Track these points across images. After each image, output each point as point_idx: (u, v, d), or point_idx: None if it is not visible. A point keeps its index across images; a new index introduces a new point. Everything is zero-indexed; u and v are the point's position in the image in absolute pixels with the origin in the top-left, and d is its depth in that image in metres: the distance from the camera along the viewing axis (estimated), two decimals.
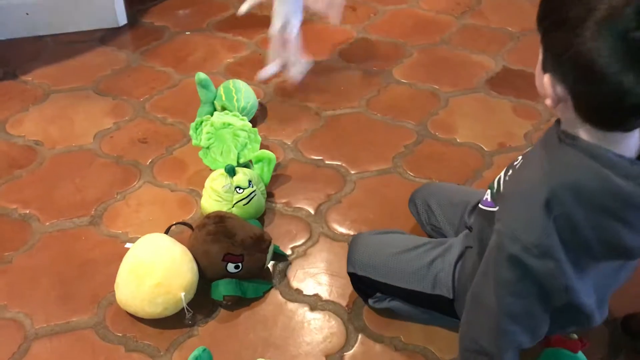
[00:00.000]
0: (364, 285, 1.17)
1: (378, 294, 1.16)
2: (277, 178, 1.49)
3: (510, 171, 0.96)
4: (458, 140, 1.61)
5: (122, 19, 2.05)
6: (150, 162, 1.54)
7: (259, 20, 2.07)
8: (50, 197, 1.44)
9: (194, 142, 1.47)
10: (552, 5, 0.78)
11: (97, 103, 1.73)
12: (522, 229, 0.83)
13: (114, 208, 1.42)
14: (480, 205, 1.03)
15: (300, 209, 1.42)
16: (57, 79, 1.81)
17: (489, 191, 1.01)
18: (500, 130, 1.64)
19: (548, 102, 0.82)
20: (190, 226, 1.28)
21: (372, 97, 1.76)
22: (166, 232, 1.25)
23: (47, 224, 1.37)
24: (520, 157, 0.96)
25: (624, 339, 1.15)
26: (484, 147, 1.58)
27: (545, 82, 0.80)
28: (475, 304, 0.95)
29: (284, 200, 1.44)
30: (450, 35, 2.02)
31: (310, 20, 2.07)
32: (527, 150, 0.97)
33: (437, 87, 1.79)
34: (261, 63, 1.75)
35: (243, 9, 1.64)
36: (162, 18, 2.10)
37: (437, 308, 1.12)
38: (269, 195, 1.44)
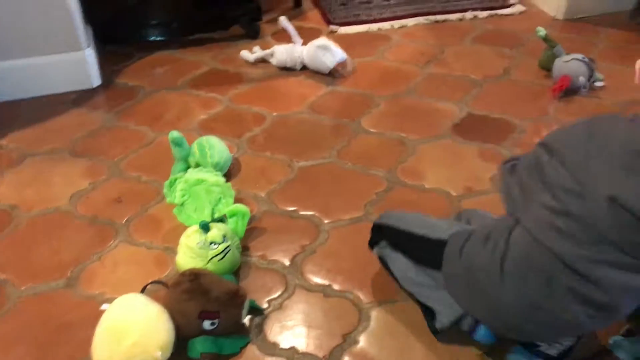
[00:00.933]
0: (380, 235, 1.30)
1: (384, 242, 1.27)
2: (252, 231, 1.51)
3: None
4: (426, 186, 1.66)
5: (96, 80, 2.09)
6: (126, 221, 1.56)
7: (232, 76, 2.15)
8: (26, 261, 1.44)
9: (168, 199, 1.50)
10: None
11: (73, 164, 1.75)
12: None
13: (90, 269, 1.42)
14: None
15: (276, 261, 1.44)
16: (33, 142, 1.84)
17: None
18: (466, 174, 1.69)
19: None
20: (165, 284, 1.29)
21: (343, 147, 1.81)
22: (142, 292, 1.27)
23: (23, 288, 1.37)
24: None
25: None
26: (451, 192, 1.63)
27: None
28: None
29: (259, 253, 1.46)
30: (416, 85, 2.09)
31: (281, 75, 2.14)
32: None
33: (404, 135, 1.85)
34: (236, 118, 1.81)
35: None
36: (136, 78, 2.15)
37: (432, 262, 1.19)
38: (244, 249, 1.46)
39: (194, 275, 1.24)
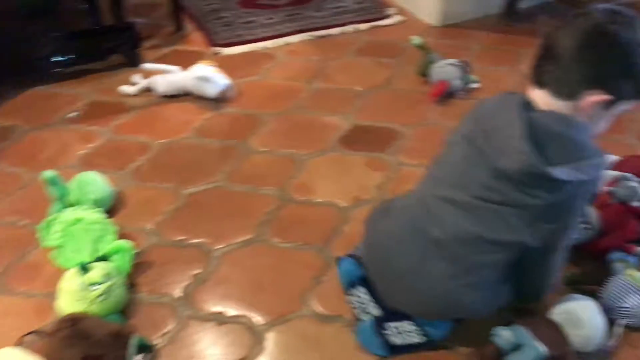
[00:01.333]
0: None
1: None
2: (139, 266, 1.46)
3: None
4: (317, 201, 1.67)
5: None
6: (3, 270, 1.46)
7: (113, 107, 2.08)
8: None
9: (44, 243, 1.42)
10: None
11: None
12: None
13: None
14: None
15: (165, 294, 1.40)
16: None
17: None
18: (354, 185, 1.71)
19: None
20: (44, 334, 1.22)
21: (232, 169, 1.79)
22: (18, 345, 1.19)
23: None
24: None
25: None
26: (340, 204, 1.65)
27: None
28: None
29: (147, 289, 1.41)
30: (303, 101, 2.11)
31: (164, 101, 2.10)
32: None
33: (294, 151, 1.86)
34: (117, 150, 1.75)
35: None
36: (9, 118, 2.04)
37: None
38: (131, 285, 1.41)
39: (73, 321, 1.18)
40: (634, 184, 1.50)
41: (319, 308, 1.36)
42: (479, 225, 1.14)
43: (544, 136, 1.08)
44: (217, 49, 2.42)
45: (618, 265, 1.38)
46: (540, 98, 1.13)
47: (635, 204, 1.49)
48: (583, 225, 1.42)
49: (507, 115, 1.13)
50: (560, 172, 1.06)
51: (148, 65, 2.17)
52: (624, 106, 1.13)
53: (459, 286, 1.17)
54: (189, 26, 2.61)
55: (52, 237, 1.41)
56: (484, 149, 1.14)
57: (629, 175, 1.53)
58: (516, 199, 1.10)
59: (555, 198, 1.09)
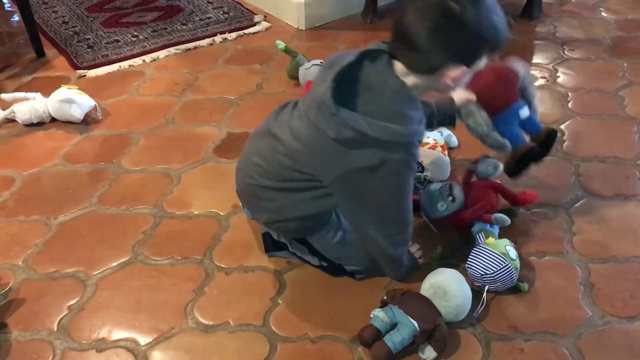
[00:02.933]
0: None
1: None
2: (9, 305, 1.39)
3: None
4: (195, 213, 1.66)
5: None
6: None
7: None
8: None
9: None
10: None
11: None
12: None
13: None
14: None
15: (40, 329, 1.34)
16: None
17: None
18: (232, 192, 1.72)
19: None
20: None
21: (104, 192, 1.74)
22: None
23: None
24: None
25: (365, 351, 1.27)
26: (219, 213, 1.65)
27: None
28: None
29: (19, 327, 1.35)
30: (174, 115, 2.09)
31: (28, 130, 2.01)
32: None
33: (167, 166, 1.84)
34: None
35: None
36: None
37: None
38: (1, 326, 1.34)
39: None
40: (494, 160, 1.61)
41: (201, 319, 1.36)
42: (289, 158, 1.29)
43: (363, 86, 1.19)
44: (82, 71, 2.34)
45: (479, 236, 1.47)
46: (399, 66, 1.20)
47: (494, 179, 1.61)
48: (449, 198, 1.51)
49: (349, 56, 1.23)
50: (346, 114, 1.16)
51: (5, 95, 2.06)
52: (481, 64, 1.20)
53: (284, 196, 1.33)
54: (50, 52, 2.51)
55: None
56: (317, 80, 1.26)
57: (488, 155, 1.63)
58: (311, 133, 1.22)
59: (346, 147, 1.18)
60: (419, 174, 1.67)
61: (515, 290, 1.40)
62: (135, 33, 2.62)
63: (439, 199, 1.51)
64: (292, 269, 1.48)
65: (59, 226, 1.63)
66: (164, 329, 1.34)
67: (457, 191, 1.53)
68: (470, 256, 1.40)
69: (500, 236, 1.49)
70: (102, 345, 1.31)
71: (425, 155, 1.70)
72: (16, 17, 2.83)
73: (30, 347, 1.31)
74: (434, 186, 1.54)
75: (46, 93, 2.06)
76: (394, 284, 1.43)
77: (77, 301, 1.41)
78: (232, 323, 1.35)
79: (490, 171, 1.61)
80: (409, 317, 1.25)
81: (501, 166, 1.59)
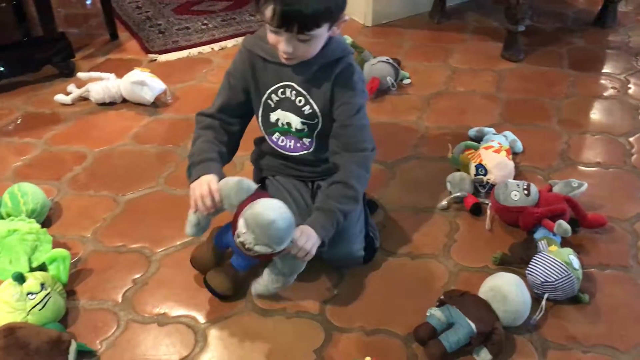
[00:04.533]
0: None
1: None
2: (78, 274, 1.46)
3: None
4: None
5: None
6: None
7: (47, 118, 2.06)
8: None
9: None
10: None
11: None
12: None
13: None
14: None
15: (105, 300, 1.40)
16: None
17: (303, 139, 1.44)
18: None
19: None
20: None
21: (170, 173, 1.80)
22: None
23: None
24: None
25: (419, 349, 1.27)
26: None
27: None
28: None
29: (87, 295, 1.41)
30: None
31: (101, 110, 2.09)
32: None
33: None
34: (53, 161, 1.73)
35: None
36: None
37: None
38: (71, 293, 1.41)
39: (9, 330, 1.17)
40: (575, 184, 1.61)
41: (259, 302, 1.39)
42: None
43: None
44: (153, 55, 2.42)
45: (542, 243, 1.46)
46: None
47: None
48: (525, 191, 1.54)
49: None
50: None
51: (82, 74, 2.15)
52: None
53: None
54: (123, 35, 2.60)
55: None
56: None
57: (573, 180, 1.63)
58: None
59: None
60: (481, 176, 1.66)
61: (575, 300, 1.38)
62: (205, 21, 2.68)
63: (515, 189, 1.54)
64: None
65: (127, 203, 1.69)
66: (223, 309, 1.37)
67: (534, 189, 1.56)
68: (532, 262, 1.39)
69: (562, 246, 1.47)
70: (163, 320, 1.35)
71: (489, 158, 1.68)
72: (89, 0, 2.94)
73: (96, 315, 1.36)
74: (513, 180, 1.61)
75: (118, 75, 2.14)
76: (452, 283, 1.43)
77: (142, 276, 1.46)
78: (288, 309, 1.38)
79: (568, 190, 1.60)
80: (466, 318, 1.25)
81: (583, 187, 1.59)
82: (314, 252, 1.29)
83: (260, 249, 1.21)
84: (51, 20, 2.26)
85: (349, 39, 2.23)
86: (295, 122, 1.41)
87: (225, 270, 1.37)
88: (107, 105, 2.11)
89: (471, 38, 2.56)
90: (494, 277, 1.35)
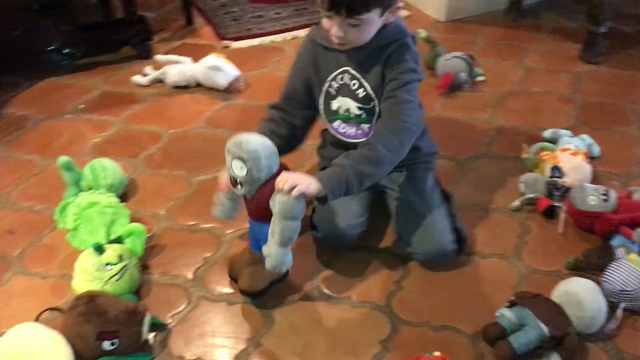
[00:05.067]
0: None
1: None
2: (152, 249, 1.50)
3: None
4: None
5: None
6: (19, 252, 1.51)
7: (125, 98, 2.13)
8: None
9: (60, 225, 1.46)
10: None
11: None
12: None
13: None
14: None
15: (177, 276, 1.44)
16: None
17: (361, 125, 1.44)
18: None
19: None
20: (61, 310, 1.26)
21: None
22: (36, 320, 1.23)
23: None
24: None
25: (487, 348, 1.25)
26: None
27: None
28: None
29: (160, 270, 1.45)
30: None
31: (176, 92, 2.14)
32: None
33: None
34: (130, 139, 1.79)
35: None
36: (24, 107, 2.08)
37: None
38: (145, 267, 1.45)
39: (90, 298, 1.22)
40: None
41: (325, 289, 1.40)
42: None
43: None
44: (227, 42, 2.46)
45: (620, 251, 1.41)
46: None
47: None
48: (603, 197, 1.50)
49: None
50: None
51: (160, 57, 2.21)
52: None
53: None
54: (198, 20, 2.65)
55: (67, 220, 1.45)
56: None
57: None
58: None
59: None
60: (557, 179, 1.62)
61: None
62: (278, 10, 2.71)
63: (592, 193, 1.50)
64: None
65: (200, 184, 1.73)
66: (291, 294, 1.39)
67: (613, 195, 1.52)
68: (608, 269, 1.34)
69: None
70: (232, 299, 1.38)
71: (565, 160, 1.64)
72: None
73: (169, 291, 1.40)
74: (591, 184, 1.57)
75: (192, 59, 2.19)
76: (522, 285, 1.40)
77: (212, 255, 1.49)
78: (354, 298, 1.38)
79: None
80: (538, 321, 1.22)
81: None
82: (302, 189, 1.19)
83: (235, 165, 1.23)
84: (132, 3, 2.33)
85: (423, 33, 2.20)
86: (353, 107, 1.43)
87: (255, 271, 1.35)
88: (182, 88, 2.16)
89: (548, 38, 2.49)
90: (569, 281, 1.31)
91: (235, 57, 2.29)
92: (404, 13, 2.68)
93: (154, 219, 1.60)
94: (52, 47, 2.23)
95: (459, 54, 2.14)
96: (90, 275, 1.32)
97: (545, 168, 1.66)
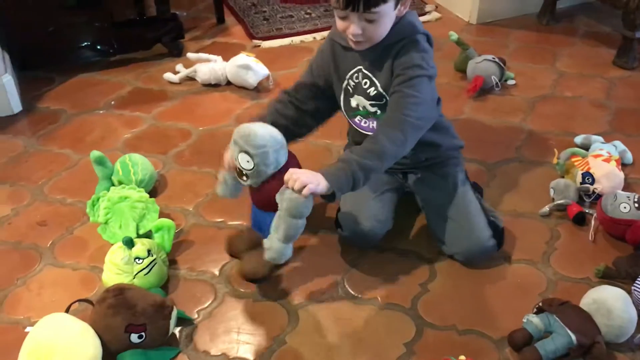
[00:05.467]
0: None
1: None
2: (180, 244, 1.52)
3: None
4: None
5: (17, 107, 2.06)
6: (51, 244, 1.54)
7: (156, 95, 2.15)
8: None
9: (91, 218, 1.49)
10: None
11: None
12: None
13: (14, 294, 1.40)
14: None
15: (204, 272, 1.45)
16: None
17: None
18: None
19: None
20: (91, 302, 1.29)
21: None
22: (66, 311, 1.26)
23: None
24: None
25: (512, 354, 1.24)
26: None
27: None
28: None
29: (187, 266, 1.47)
30: None
31: (206, 90, 2.17)
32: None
33: (330, 142, 1.89)
34: (161, 135, 1.81)
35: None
36: (58, 102, 2.12)
37: None
38: (172, 262, 1.47)
39: (119, 290, 1.24)
40: None
41: (351, 290, 1.40)
42: None
43: None
44: (257, 41, 2.47)
45: None
46: None
47: None
48: (636, 204, 1.48)
49: None
50: None
51: (192, 55, 2.23)
52: None
53: None
54: (229, 19, 2.68)
55: (98, 213, 1.47)
56: None
57: None
58: None
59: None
60: (588, 185, 1.60)
61: None
62: (308, 11, 2.71)
63: (625, 200, 1.48)
64: (445, 259, 1.47)
65: None
66: (316, 293, 1.39)
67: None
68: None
69: None
70: (257, 297, 1.39)
71: (597, 166, 1.61)
72: None
73: (195, 286, 1.42)
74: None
75: (223, 57, 2.21)
76: (550, 292, 1.38)
77: None
78: (379, 300, 1.38)
79: None
80: (566, 328, 1.21)
81: None
82: (312, 188, 1.20)
83: (241, 158, 1.25)
84: (164, 1, 2.36)
85: (454, 36, 2.19)
86: (367, 104, 1.44)
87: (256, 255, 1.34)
88: (212, 86, 2.18)
89: (581, 42, 2.46)
90: (599, 289, 1.29)
91: (265, 56, 2.31)
92: (435, 15, 2.67)
93: (183, 215, 1.62)
94: (86, 44, 2.27)
95: (489, 57, 2.12)
96: (119, 268, 1.34)
97: (577, 174, 1.64)
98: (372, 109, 1.44)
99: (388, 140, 1.30)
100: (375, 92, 1.41)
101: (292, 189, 1.20)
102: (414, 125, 1.33)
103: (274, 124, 1.40)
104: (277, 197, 1.23)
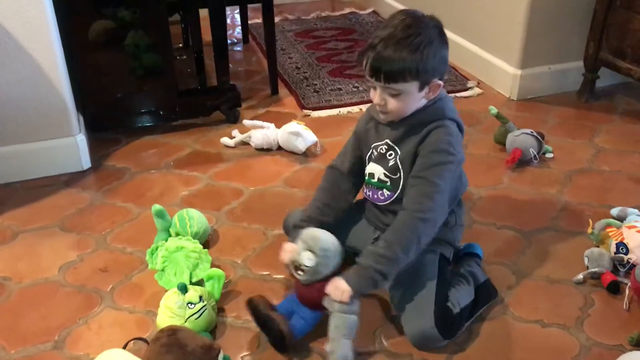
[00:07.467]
0: None
1: None
2: (228, 294, 1.63)
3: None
4: None
5: (86, 164, 2.25)
6: (111, 288, 1.67)
7: (212, 157, 2.32)
8: (16, 327, 1.54)
9: (150, 266, 1.62)
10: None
11: (63, 239, 1.88)
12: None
13: (76, 332, 1.53)
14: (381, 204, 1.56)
15: (249, 321, 1.54)
16: (25, 220, 1.97)
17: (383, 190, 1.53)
18: None
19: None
20: (146, 341, 1.39)
21: None
22: (123, 348, 1.36)
23: (12, 352, 1.47)
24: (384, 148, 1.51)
25: None
26: None
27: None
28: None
29: (234, 314, 1.57)
30: None
31: (258, 154, 2.33)
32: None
33: None
34: (216, 193, 1.95)
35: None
36: (123, 161, 2.31)
37: None
38: (220, 309, 1.57)
39: (172, 331, 1.34)
40: None
41: (390, 347, 1.47)
42: None
43: None
44: (307, 111, 2.65)
45: None
46: None
47: None
48: None
49: None
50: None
51: (247, 122, 2.41)
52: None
53: None
54: (282, 91, 2.87)
55: (157, 261, 1.60)
56: None
57: None
58: None
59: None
60: (622, 255, 1.64)
61: None
62: (356, 84, 2.89)
63: None
64: (479, 322, 1.53)
65: (275, 237, 1.86)
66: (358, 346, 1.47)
67: None
68: None
69: None
70: (300, 347, 1.46)
71: (632, 237, 1.66)
72: (254, 58, 3.28)
73: (240, 333, 1.51)
74: None
75: (276, 125, 2.38)
76: (583, 357, 1.42)
77: None
78: (415, 356, 1.44)
79: None
80: None
81: None
82: (345, 298, 1.36)
83: (305, 255, 1.39)
84: (226, 73, 2.57)
85: (494, 110, 2.31)
86: (380, 172, 1.52)
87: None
88: (264, 150, 2.34)
89: (620, 119, 2.54)
90: (630, 354, 1.33)
91: (314, 125, 2.47)
92: (477, 91, 2.80)
93: (232, 267, 1.73)
94: (151, 109, 2.49)
95: (528, 130, 2.22)
96: (173, 312, 1.45)
97: (611, 244, 1.69)
98: (384, 178, 1.51)
99: (402, 248, 1.38)
100: (393, 162, 1.48)
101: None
102: (429, 222, 1.40)
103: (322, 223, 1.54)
104: (325, 303, 1.40)
